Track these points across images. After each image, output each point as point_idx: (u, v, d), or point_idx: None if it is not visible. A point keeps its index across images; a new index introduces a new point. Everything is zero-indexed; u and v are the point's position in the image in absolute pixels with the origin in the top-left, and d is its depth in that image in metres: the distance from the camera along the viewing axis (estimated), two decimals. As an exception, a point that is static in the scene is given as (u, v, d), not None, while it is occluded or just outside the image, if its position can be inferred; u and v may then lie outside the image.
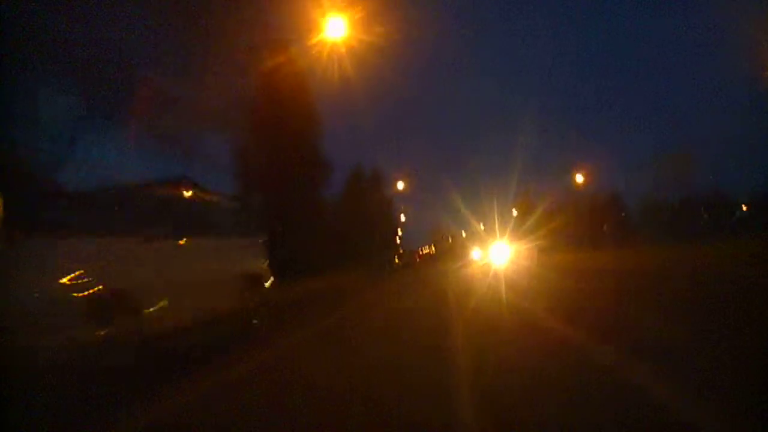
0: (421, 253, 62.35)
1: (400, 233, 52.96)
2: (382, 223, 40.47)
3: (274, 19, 17.05)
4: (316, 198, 26.97)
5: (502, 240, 26.86)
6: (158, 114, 15.23)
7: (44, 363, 3.31)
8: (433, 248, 65.07)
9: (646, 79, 54.32)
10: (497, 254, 23.56)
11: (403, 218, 47.76)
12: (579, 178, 41.65)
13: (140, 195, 4.80)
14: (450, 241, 58.29)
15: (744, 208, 46.29)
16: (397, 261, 37.85)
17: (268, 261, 7.17)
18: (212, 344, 5.46)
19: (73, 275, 3.60)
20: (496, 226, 39.45)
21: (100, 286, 3.71)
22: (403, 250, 49.45)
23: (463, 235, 57.15)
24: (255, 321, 6.25)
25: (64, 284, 3.55)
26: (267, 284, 6.90)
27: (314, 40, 14.59)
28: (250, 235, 6.75)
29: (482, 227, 48.85)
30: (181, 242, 4.92)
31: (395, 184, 37.66)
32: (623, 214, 53.44)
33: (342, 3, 13.22)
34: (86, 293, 3.62)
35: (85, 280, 3.65)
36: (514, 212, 45.77)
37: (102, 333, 3.68)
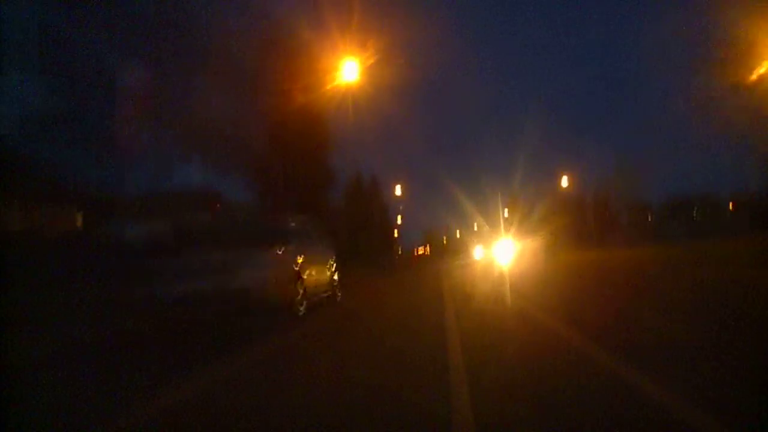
0: (416, 253, 65.86)
1: (397, 234, 56.69)
2: (382, 225, 44.52)
3: (296, 61, 20.88)
4: (324, 205, 30.73)
5: (500, 237, 29.77)
6: (199, 139, 19.22)
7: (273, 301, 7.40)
8: (428, 248, 68.78)
9: (646, 81, 57.41)
10: (496, 251, 26.28)
11: (399, 221, 51.80)
12: (565, 181, 44.34)
13: (299, 224, 9.32)
14: (445, 241, 61.84)
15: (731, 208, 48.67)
16: (396, 260, 41.51)
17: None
18: (327, 298, 10.10)
19: (285, 264, 7.83)
20: (490, 225, 42.54)
21: (294, 268, 7.99)
22: (402, 251, 53.13)
23: (458, 235, 60.82)
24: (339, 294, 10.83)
25: (284, 268, 7.81)
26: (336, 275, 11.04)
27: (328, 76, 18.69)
28: (329, 244, 11.11)
29: (476, 227, 52.38)
30: (311, 249, 9.26)
31: (393, 190, 41.59)
32: (611, 215, 56.42)
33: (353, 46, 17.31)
34: (290, 271, 7.85)
35: (289, 265, 7.89)
36: (506, 212, 49.19)
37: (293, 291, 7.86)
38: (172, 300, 7.19)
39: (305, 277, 8.36)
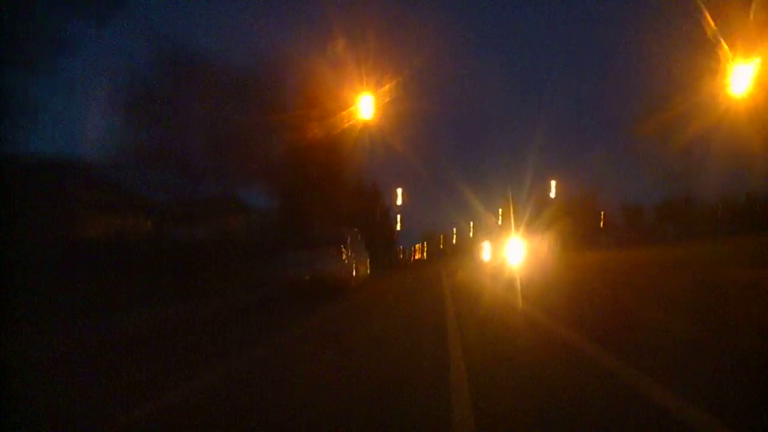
0: (414, 253, 68.99)
1: (396, 236, 60.10)
2: (383, 227, 48.01)
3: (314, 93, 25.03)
4: (335, 213, 34.38)
5: (500, 238, 31.89)
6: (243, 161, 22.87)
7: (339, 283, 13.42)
8: (426, 249, 72.04)
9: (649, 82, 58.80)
10: (498, 252, 28.56)
11: (398, 223, 55.47)
12: (555, 187, 46.47)
13: (352, 233, 15.42)
14: (442, 243, 65.13)
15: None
16: (399, 259, 44.77)
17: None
18: (368, 280, 15.89)
19: (347, 259, 13.88)
20: (488, 228, 44.85)
21: (351, 262, 14.19)
22: (402, 251, 56.43)
23: (454, 237, 64.19)
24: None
25: (346, 262, 13.84)
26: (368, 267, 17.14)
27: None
28: (365, 246, 17.16)
29: (471, 231, 55.52)
30: (358, 249, 15.33)
31: (394, 195, 45.40)
32: (608, 216, 58.96)
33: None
34: (349, 264, 13.97)
35: (349, 260, 13.97)
36: (500, 216, 51.95)
37: (350, 274, 13.87)
38: (293, 278, 13.26)
39: (355, 266, 14.40)
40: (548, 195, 47.92)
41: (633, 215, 56.77)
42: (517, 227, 34.63)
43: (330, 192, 32.33)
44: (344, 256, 13.58)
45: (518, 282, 12.76)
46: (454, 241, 68.21)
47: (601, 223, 55.51)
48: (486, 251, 42.82)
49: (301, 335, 7.57)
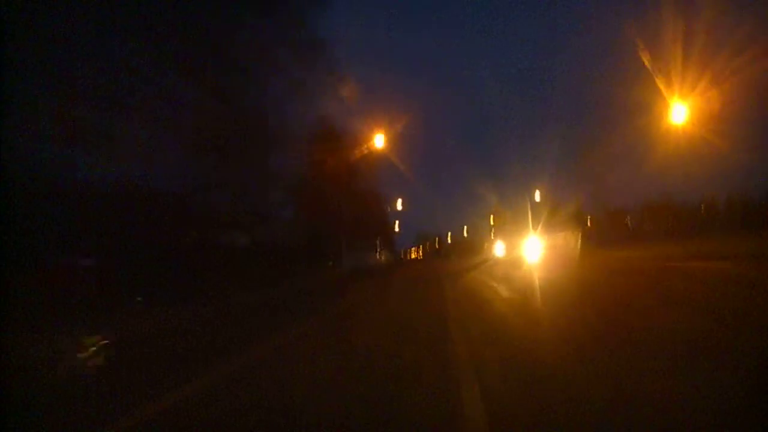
0: (411, 255, 69.23)
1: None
2: (386, 231, 48.30)
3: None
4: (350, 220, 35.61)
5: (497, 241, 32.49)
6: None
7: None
8: (421, 251, 72.19)
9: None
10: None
11: (397, 228, 55.86)
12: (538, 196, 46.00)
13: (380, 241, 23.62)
14: (437, 244, 65.32)
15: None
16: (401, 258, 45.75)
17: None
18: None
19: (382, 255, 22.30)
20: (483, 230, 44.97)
21: (380, 257, 22.58)
22: (402, 252, 56.97)
23: (449, 239, 64.32)
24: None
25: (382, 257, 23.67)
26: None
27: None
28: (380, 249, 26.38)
29: (466, 233, 55.67)
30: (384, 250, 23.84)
31: (395, 204, 45.76)
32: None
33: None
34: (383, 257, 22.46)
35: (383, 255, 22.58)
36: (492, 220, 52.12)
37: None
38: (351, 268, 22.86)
39: (383, 259, 24.10)
40: (548, 199, 47.89)
41: (619, 217, 56.65)
42: (515, 228, 35.03)
43: (348, 203, 33.57)
44: (381, 255, 24.01)
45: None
46: (449, 241, 68.54)
47: (588, 224, 55.12)
48: (483, 251, 43.11)
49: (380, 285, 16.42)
